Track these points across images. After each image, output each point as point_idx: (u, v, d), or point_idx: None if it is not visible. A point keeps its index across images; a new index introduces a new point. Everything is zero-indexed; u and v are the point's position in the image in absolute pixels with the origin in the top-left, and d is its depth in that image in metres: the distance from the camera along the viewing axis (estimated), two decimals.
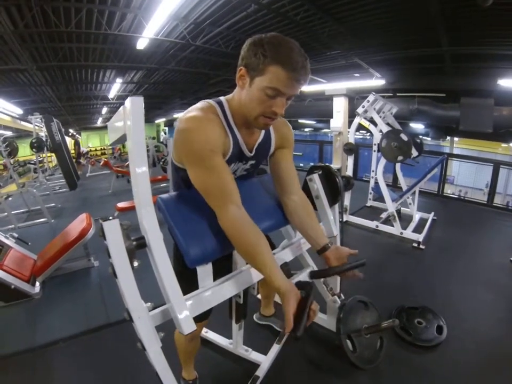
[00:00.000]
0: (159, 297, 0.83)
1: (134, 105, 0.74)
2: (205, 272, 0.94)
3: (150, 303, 0.81)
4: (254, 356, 1.60)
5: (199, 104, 0.94)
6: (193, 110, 0.91)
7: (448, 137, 12.14)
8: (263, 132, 1.04)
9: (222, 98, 0.98)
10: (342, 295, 1.73)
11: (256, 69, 0.81)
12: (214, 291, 0.94)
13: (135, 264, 0.75)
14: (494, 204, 5.15)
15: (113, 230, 0.71)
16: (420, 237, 3.20)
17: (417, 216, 3.87)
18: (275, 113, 0.86)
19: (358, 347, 1.49)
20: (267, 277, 0.85)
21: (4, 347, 1.83)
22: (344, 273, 1.04)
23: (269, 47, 0.79)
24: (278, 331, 1.80)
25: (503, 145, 12.69)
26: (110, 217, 0.72)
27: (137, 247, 0.76)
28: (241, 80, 0.87)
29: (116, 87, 9.40)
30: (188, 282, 0.91)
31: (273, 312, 1.90)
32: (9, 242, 2.74)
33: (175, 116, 17.32)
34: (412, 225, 3.63)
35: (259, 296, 2.14)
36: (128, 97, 0.75)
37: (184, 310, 0.80)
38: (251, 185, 1.19)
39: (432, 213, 3.97)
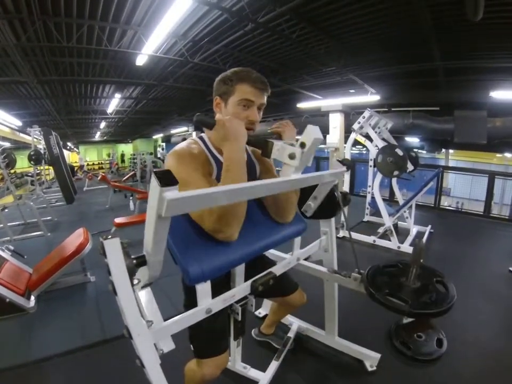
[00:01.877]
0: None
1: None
2: (203, 290, 0.94)
3: (149, 320, 0.81)
4: (253, 373, 1.58)
5: (183, 142, 1.09)
6: (177, 146, 1.05)
7: (443, 150, 12.29)
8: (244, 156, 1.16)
9: (202, 134, 1.15)
10: (360, 270, 1.46)
11: (227, 92, 1.02)
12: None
13: (135, 282, 0.76)
14: (490, 215, 5.19)
15: (113, 248, 0.71)
16: None
17: (414, 229, 3.89)
18: (252, 121, 1.03)
19: (410, 299, 1.20)
20: (229, 169, 0.91)
21: None
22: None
23: (232, 74, 1.02)
24: (277, 348, 1.78)
25: (498, 155, 12.85)
26: (110, 236, 0.73)
27: (137, 265, 0.76)
28: (218, 107, 1.07)
29: (114, 102, 9.48)
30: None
31: (273, 332, 1.88)
32: (5, 254, 2.71)
33: (173, 131, 17.44)
34: (409, 238, 3.65)
35: (257, 313, 2.14)
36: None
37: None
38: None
39: (429, 226, 4.00)
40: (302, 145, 0.91)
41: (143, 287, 0.85)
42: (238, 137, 0.93)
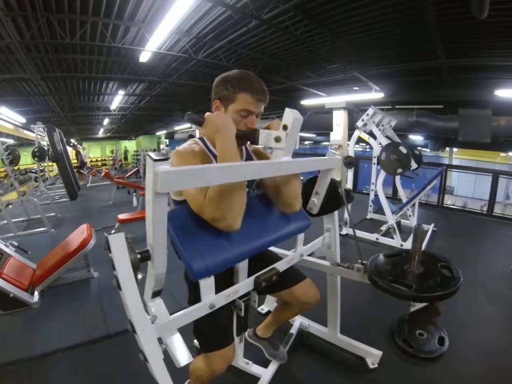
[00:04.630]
0: None
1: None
2: (207, 285, 0.94)
3: (153, 315, 0.81)
4: (255, 368, 1.59)
5: (184, 143, 1.13)
6: (179, 147, 1.08)
7: (447, 148, 12.21)
8: (244, 155, 1.21)
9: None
10: (363, 261, 1.47)
11: (228, 99, 1.04)
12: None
13: (139, 276, 0.76)
14: (494, 214, 5.17)
15: (118, 243, 0.72)
16: None
17: None
18: (250, 129, 1.05)
19: (412, 284, 1.19)
20: (222, 158, 0.94)
21: (1, 356, 1.81)
22: None
23: (235, 80, 1.04)
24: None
25: (502, 154, 12.77)
26: (113, 231, 0.73)
27: (142, 260, 0.77)
28: (218, 110, 1.08)
29: (118, 99, 9.48)
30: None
31: (269, 336, 1.66)
32: (9, 250, 2.74)
33: (176, 128, 17.46)
34: (412, 237, 3.63)
35: (259, 309, 2.14)
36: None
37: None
38: (251, 198, 1.18)
39: (432, 224, 3.98)
40: (285, 127, 0.99)
41: (153, 296, 0.86)
42: (227, 128, 0.95)
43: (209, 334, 1.12)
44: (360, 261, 1.45)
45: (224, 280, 1.08)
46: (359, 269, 1.45)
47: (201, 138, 1.15)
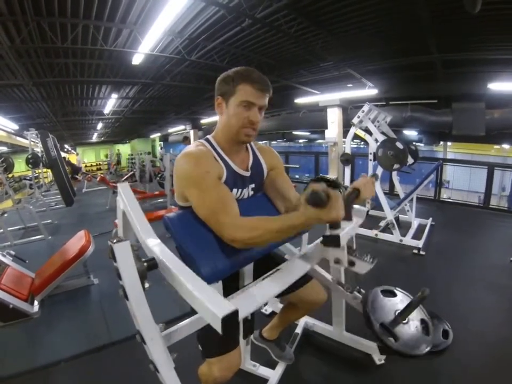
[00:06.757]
0: (165, 316, 0.82)
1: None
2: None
3: (161, 324, 0.80)
4: (262, 370, 1.58)
5: (190, 145, 1.10)
6: (185, 149, 1.06)
7: (441, 142, 12.29)
8: (251, 155, 1.19)
9: (208, 136, 1.15)
10: (361, 289, 1.53)
11: (228, 92, 1.02)
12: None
13: (146, 285, 0.74)
14: (490, 206, 5.21)
15: (124, 252, 0.70)
16: (420, 243, 3.22)
17: (415, 222, 3.90)
18: (252, 122, 1.02)
19: (400, 335, 1.29)
20: (292, 227, 0.88)
21: (3, 368, 1.78)
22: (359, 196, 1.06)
23: (235, 74, 1.02)
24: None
25: (496, 147, 12.87)
26: (115, 240, 0.71)
27: (149, 268, 0.75)
28: (220, 107, 1.07)
29: (111, 103, 9.38)
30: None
31: (275, 338, 1.64)
32: (6, 260, 2.69)
33: (170, 130, 17.40)
34: (411, 231, 3.65)
35: (263, 310, 2.13)
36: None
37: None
38: (253, 201, 1.19)
39: (430, 218, 4.01)
40: (351, 263, 0.91)
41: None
42: (338, 217, 0.85)
43: (211, 337, 1.05)
44: (358, 287, 1.50)
45: (228, 283, 1.05)
46: (356, 297, 1.51)
47: (206, 140, 1.12)
